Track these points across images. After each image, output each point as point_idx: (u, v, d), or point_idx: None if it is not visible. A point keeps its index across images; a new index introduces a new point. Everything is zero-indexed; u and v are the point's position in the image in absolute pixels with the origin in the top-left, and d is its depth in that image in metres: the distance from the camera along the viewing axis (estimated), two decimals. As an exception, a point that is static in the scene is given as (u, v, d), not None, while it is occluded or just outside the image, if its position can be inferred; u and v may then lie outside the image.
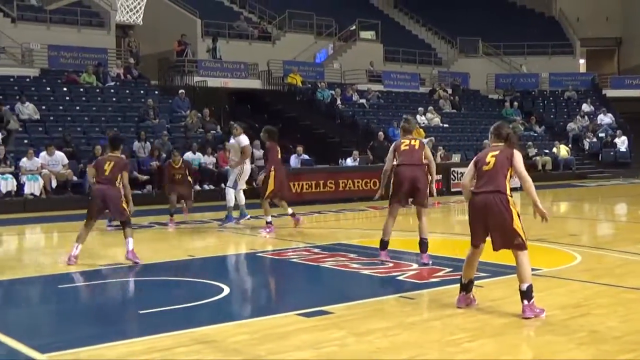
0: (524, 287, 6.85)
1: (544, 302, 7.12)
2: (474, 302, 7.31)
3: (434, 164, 10.02)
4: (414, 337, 6.34)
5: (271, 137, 13.76)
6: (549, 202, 20.22)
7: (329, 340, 6.21)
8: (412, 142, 9.87)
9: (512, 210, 6.91)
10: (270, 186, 13.43)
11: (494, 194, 6.94)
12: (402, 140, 9.93)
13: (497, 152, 7.08)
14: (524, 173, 6.99)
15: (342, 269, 9.77)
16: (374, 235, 13.65)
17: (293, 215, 14.18)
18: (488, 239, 7.10)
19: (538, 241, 11.02)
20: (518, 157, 7.06)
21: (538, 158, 29.21)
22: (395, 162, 9.80)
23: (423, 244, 9.83)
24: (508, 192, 6.97)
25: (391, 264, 9.82)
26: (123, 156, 10.60)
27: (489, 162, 7.05)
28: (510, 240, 6.92)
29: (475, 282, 7.51)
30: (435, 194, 10.49)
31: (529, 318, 6.74)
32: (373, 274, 9.35)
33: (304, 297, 8.50)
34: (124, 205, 10.25)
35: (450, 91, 34.13)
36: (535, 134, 32.74)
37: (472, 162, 7.28)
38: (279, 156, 13.88)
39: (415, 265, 9.85)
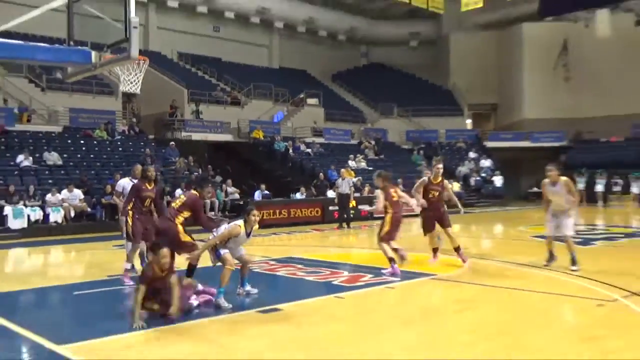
0: None
1: (443, 298, 7.20)
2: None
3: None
4: (341, 327, 6.41)
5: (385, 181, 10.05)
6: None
7: (280, 330, 6.24)
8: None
9: None
10: (386, 227, 9.80)
11: None
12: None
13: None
14: None
15: (292, 276, 9.76)
16: (317, 251, 13.68)
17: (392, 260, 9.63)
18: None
19: (441, 254, 11.11)
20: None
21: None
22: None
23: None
24: None
25: (329, 272, 9.85)
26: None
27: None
28: None
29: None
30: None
31: None
32: (314, 279, 9.36)
33: (262, 298, 8.46)
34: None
35: (373, 142, 34.40)
36: (436, 174, 32.87)
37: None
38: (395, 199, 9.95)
39: (345, 273, 9.90)
